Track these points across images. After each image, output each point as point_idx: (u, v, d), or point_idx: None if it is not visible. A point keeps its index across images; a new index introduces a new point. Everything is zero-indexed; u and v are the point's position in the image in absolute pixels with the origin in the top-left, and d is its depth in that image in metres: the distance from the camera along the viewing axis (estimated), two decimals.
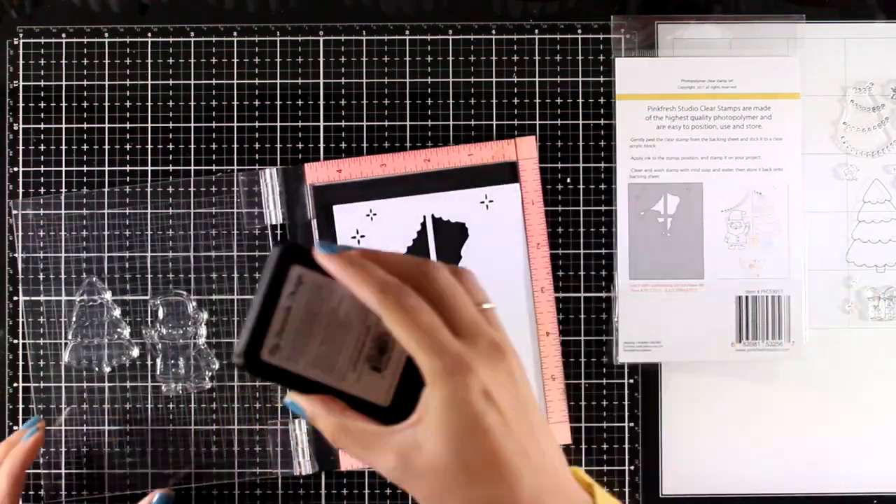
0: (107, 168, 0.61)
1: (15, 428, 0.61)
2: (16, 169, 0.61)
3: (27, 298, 0.60)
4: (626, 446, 0.61)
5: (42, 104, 0.61)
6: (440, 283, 0.39)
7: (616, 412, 0.61)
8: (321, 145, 0.62)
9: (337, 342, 0.44)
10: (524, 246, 0.61)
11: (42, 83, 0.61)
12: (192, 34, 0.62)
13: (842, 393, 0.62)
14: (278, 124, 0.62)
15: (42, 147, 0.61)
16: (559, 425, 0.61)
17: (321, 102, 0.62)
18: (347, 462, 0.61)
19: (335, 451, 0.60)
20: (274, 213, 0.61)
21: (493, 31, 0.62)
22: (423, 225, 0.61)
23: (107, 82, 0.61)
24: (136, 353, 0.61)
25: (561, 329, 0.61)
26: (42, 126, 0.61)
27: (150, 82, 0.62)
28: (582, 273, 0.62)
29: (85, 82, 0.61)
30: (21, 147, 0.61)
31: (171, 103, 0.61)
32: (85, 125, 0.61)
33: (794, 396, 0.62)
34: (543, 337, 0.61)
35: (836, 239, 0.62)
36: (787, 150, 0.61)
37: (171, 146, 0.61)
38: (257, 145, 0.62)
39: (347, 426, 0.39)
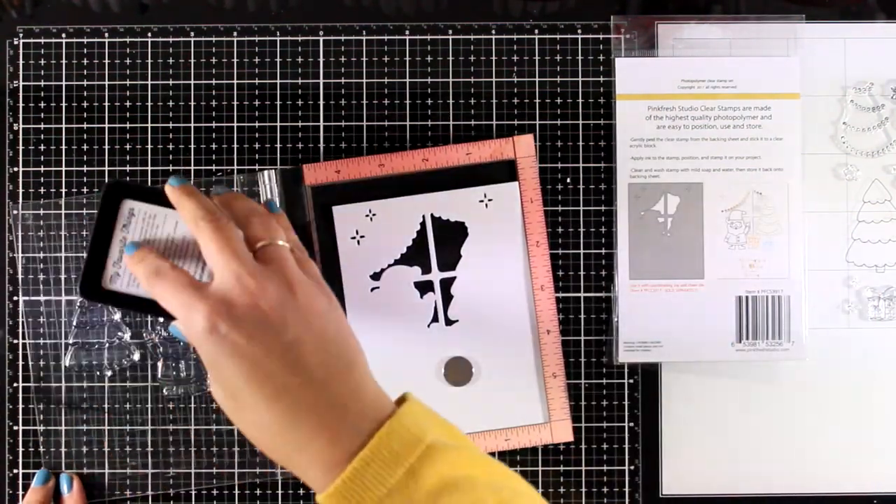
0: (107, 168, 0.61)
1: (15, 428, 0.61)
2: (16, 169, 0.61)
3: (27, 298, 0.60)
4: (626, 446, 0.61)
5: (42, 104, 0.61)
6: (254, 216, 0.48)
7: (616, 412, 0.61)
8: (321, 145, 0.62)
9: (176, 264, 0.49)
10: (524, 244, 0.61)
11: (42, 83, 0.61)
12: (192, 34, 0.62)
13: (842, 393, 0.62)
14: (278, 124, 0.62)
15: (42, 147, 0.61)
16: (561, 423, 0.61)
17: (321, 102, 0.62)
18: None
19: None
20: None
21: (493, 31, 0.62)
22: (423, 224, 0.61)
23: (107, 82, 0.62)
24: (137, 356, 0.61)
25: (561, 329, 0.61)
26: (42, 126, 0.61)
27: (150, 82, 0.62)
28: (582, 273, 0.62)
29: (85, 82, 0.62)
30: (21, 147, 0.61)
31: (171, 103, 0.62)
32: (85, 125, 0.61)
33: (794, 396, 0.62)
34: (544, 335, 0.61)
35: (835, 239, 0.62)
36: (787, 150, 0.61)
37: (171, 146, 0.61)
38: (257, 145, 0.62)
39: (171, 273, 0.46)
